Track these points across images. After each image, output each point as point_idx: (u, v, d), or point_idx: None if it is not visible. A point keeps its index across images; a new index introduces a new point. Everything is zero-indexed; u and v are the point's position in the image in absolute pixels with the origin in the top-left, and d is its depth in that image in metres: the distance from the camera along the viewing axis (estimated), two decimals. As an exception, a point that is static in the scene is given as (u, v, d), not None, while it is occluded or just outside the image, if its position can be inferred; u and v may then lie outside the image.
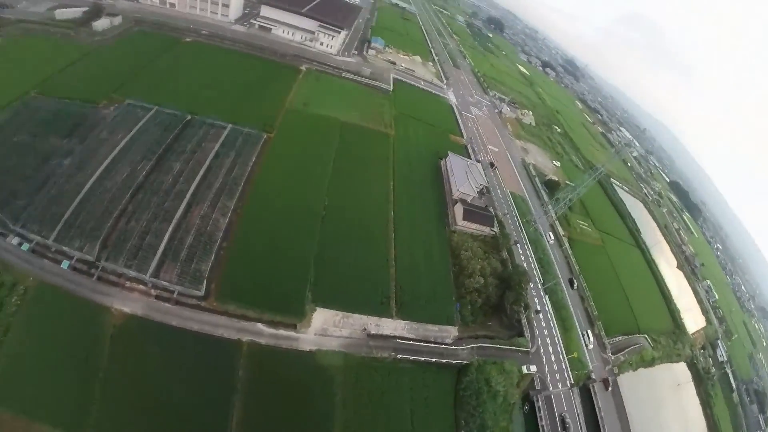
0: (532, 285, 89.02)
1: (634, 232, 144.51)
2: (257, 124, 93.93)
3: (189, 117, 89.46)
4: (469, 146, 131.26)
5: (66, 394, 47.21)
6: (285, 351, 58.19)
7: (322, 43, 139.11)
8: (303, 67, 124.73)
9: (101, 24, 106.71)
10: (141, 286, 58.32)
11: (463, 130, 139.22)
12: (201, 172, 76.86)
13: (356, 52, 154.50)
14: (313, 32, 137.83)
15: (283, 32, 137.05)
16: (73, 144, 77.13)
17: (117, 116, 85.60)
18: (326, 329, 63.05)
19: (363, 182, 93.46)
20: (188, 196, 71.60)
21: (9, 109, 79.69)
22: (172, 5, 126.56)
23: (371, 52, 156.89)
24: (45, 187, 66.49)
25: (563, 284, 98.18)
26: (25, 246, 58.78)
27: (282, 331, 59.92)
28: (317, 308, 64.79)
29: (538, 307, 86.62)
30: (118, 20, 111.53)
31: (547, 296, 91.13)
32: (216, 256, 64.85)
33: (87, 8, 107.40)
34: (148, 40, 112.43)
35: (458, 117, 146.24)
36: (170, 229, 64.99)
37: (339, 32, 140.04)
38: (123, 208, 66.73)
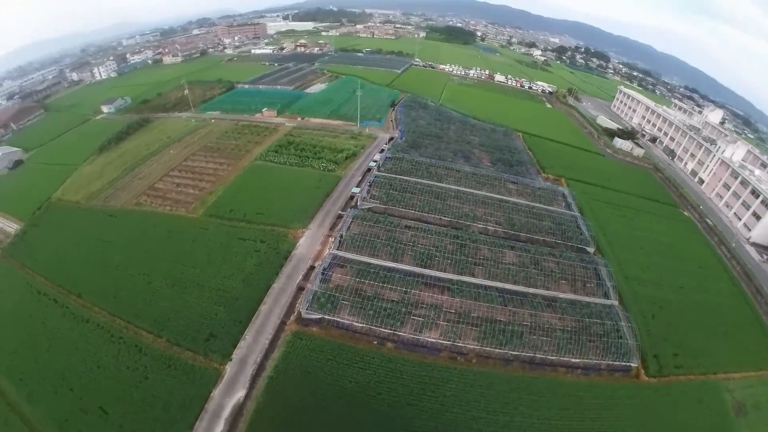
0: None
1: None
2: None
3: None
4: None
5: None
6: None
7: None
8: None
9: (621, 143, 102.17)
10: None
11: None
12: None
13: None
14: None
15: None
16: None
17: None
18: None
19: None
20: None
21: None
22: (701, 181, 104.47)
23: None
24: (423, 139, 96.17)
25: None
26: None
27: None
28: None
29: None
30: (640, 152, 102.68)
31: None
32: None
33: (627, 129, 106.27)
34: (645, 180, 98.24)
35: None
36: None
37: None
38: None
